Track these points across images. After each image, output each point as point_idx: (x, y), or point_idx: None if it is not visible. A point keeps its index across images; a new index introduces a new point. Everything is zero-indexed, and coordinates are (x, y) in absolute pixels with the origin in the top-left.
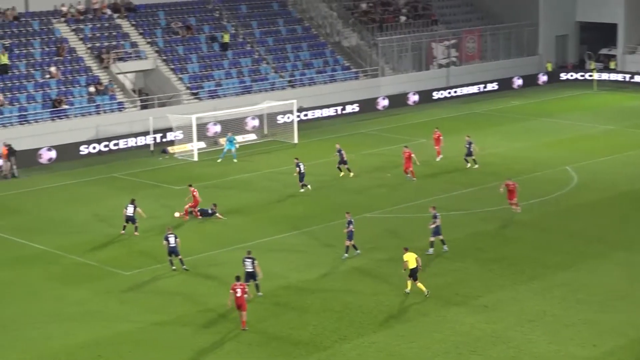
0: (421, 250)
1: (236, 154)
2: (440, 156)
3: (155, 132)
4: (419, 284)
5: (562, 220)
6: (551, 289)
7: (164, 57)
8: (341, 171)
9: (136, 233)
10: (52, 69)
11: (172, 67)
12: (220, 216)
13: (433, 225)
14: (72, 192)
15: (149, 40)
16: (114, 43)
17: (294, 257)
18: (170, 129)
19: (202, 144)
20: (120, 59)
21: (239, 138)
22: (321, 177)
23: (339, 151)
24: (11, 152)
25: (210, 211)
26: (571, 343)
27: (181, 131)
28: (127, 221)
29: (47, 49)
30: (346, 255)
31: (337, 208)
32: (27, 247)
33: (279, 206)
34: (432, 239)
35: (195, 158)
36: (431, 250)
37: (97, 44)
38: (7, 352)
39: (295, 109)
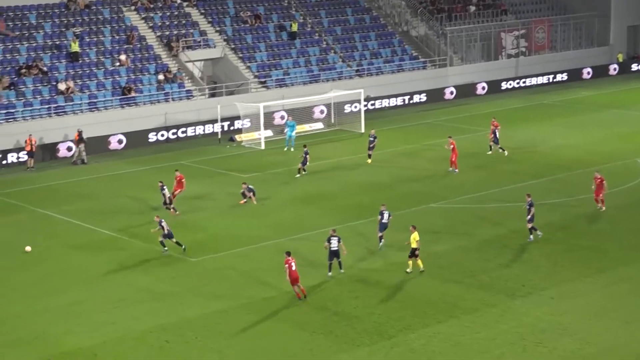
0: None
1: (294, 142)
2: (498, 146)
3: (222, 120)
4: (418, 260)
5: (631, 213)
6: (618, 283)
7: (233, 46)
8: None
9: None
10: (122, 56)
11: (241, 55)
12: None
13: (529, 216)
14: (140, 179)
15: (218, 28)
16: (183, 31)
17: (359, 246)
18: (237, 117)
19: (269, 133)
20: (189, 47)
21: (306, 127)
22: (387, 167)
23: (373, 137)
24: (80, 139)
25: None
26: (636, 339)
27: (249, 119)
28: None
29: (117, 37)
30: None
31: (402, 197)
32: (96, 233)
33: (343, 195)
34: (529, 225)
35: (262, 146)
36: (531, 237)
37: (167, 32)
38: (74, 337)
39: (362, 98)
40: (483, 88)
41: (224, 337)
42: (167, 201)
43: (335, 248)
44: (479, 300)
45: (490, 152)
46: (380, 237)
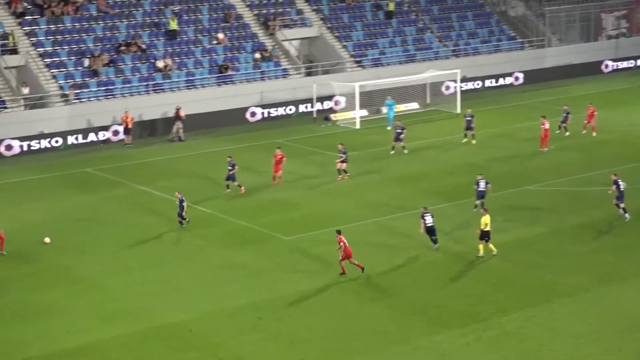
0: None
1: (392, 121)
2: (594, 133)
3: (318, 99)
4: (490, 246)
5: None
6: None
7: (329, 25)
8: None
9: (227, 191)
10: (220, 35)
11: (337, 34)
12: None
13: (610, 192)
14: (235, 157)
15: (315, 7)
16: (280, 10)
17: (452, 228)
18: (333, 96)
19: (365, 112)
20: (286, 26)
21: (401, 107)
22: (483, 148)
23: (470, 117)
24: (177, 116)
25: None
26: None
27: (344, 99)
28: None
29: (214, 15)
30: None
31: (498, 179)
32: (192, 210)
33: (439, 176)
34: (621, 205)
35: (357, 126)
36: (627, 215)
37: (264, 11)
38: (170, 311)
39: (458, 78)
40: (581, 69)
41: (316, 316)
42: (228, 178)
43: (431, 224)
44: (573, 285)
45: (584, 132)
46: (476, 205)
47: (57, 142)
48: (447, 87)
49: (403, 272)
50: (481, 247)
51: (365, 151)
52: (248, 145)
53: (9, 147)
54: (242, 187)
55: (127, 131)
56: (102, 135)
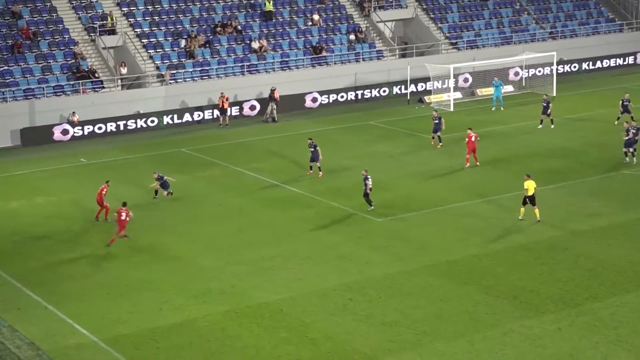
0: None
1: (503, 101)
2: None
3: (412, 81)
4: (535, 211)
5: None
6: None
7: (424, 6)
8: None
9: (320, 173)
10: (315, 16)
11: (432, 16)
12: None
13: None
14: (330, 138)
15: None
16: None
17: (547, 212)
18: (427, 79)
19: (459, 94)
20: (381, 8)
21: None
22: (579, 131)
23: (546, 102)
24: (271, 97)
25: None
26: None
27: (439, 81)
28: (311, 160)
29: None
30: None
31: (594, 163)
32: (284, 190)
33: (533, 159)
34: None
35: (452, 108)
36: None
37: None
38: (262, 291)
39: (555, 61)
40: None
41: (407, 298)
42: (315, 159)
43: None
44: None
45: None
46: (626, 153)
47: (152, 122)
48: (517, 73)
49: (494, 256)
50: (522, 210)
51: (458, 133)
52: (341, 127)
53: (110, 126)
54: (321, 172)
55: (223, 112)
56: (197, 116)
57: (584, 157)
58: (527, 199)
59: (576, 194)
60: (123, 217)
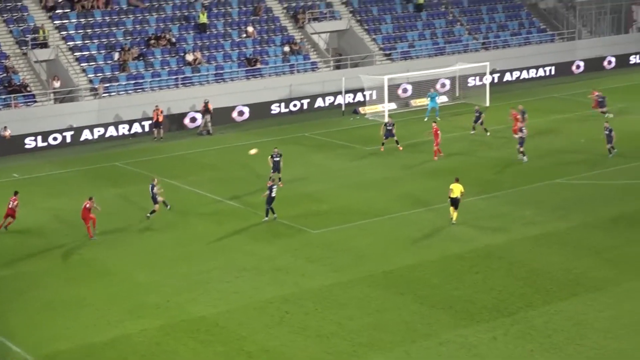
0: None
1: (439, 112)
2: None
3: (347, 92)
4: (455, 212)
5: None
6: None
7: (358, 18)
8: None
9: (280, 184)
10: (249, 28)
11: (366, 27)
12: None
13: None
14: (264, 150)
15: (344, 0)
16: (309, 3)
17: (482, 221)
18: (362, 90)
19: (393, 105)
20: (315, 19)
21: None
22: (513, 142)
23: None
24: (206, 110)
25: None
26: None
27: (373, 92)
28: (273, 171)
29: (244, 9)
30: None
31: (528, 173)
32: (219, 203)
33: (469, 169)
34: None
35: (386, 119)
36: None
37: (293, 4)
38: (198, 305)
39: (488, 71)
40: (611, 62)
41: (343, 309)
42: (277, 169)
43: (275, 195)
44: (603, 279)
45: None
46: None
47: (86, 135)
48: (444, 85)
49: (430, 266)
50: (453, 213)
51: (393, 144)
52: (275, 138)
53: (42, 140)
54: (281, 183)
55: (157, 125)
56: (131, 129)
57: (517, 166)
58: (451, 201)
59: (510, 203)
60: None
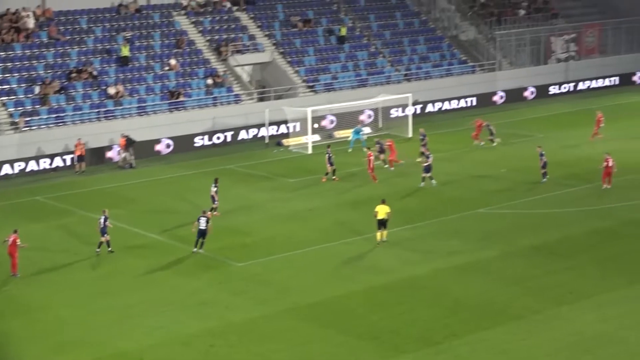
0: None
1: (365, 142)
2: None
3: (270, 124)
4: (382, 233)
5: None
6: None
7: (282, 50)
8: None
9: (216, 213)
10: (172, 61)
11: (289, 60)
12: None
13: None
14: (187, 184)
15: (267, 33)
16: (232, 36)
17: (406, 252)
18: (285, 122)
19: (317, 137)
20: (238, 52)
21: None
22: (435, 172)
23: (423, 136)
24: (130, 143)
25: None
26: None
27: (297, 124)
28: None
29: (166, 41)
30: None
31: (450, 202)
32: (143, 237)
33: (392, 200)
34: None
35: (310, 151)
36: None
37: (216, 37)
38: (122, 340)
39: (410, 102)
40: (532, 92)
41: (268, 342)
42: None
43: (204, 227)
44: (525, 307)
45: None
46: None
47: (6, 170)
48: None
49: (355, 297)
50: (378, 234)
51: (317, 176)
52: (199, 171)
53: None
54: (217, 212)
55: (80, 159)
56: (53, 163)
57: (441, 196)
58: (379, 223)
59: (434, 233)
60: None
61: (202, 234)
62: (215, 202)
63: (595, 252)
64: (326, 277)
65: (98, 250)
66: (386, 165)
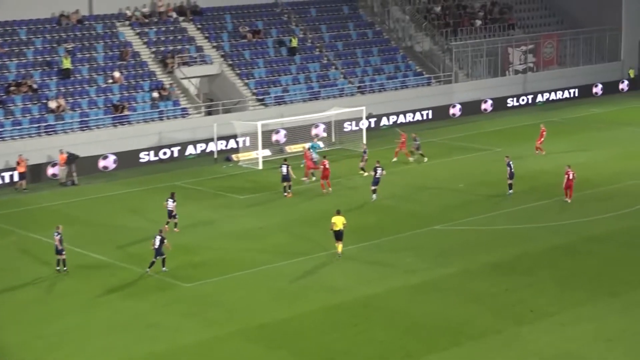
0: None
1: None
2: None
3: (219, 139)
4: (339, 246)
5: None
6: (632, 307)
7: (230, 62)
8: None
9: (176, 229)
10: (115, 73)
11: (238, 72)
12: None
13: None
14: (133, 201)
15: (215, 44)
16: (178, 47)
17: (361, 270)
18: (234, 136)
19: (267, 152)
20: (185, 64)
21: (306, 146)
22: (389, 187)
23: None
24: (72, 159)
25: None
26: None
27: (246, 138)
28: (169, 217)
29: (110, 53)
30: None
31: (405, 219)
32: (87, 257)
33: (347, 216)
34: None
35: (260, 166)
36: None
37: (162, 48)
38: None
39: (364, 115)
40: (490, 105)
41: None
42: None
43: (157, 247)
44: (484, 326)
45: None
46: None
47: None
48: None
49: (307, 318)
50: (338, 246)
51: (268, 192)
52: (145, 188)
53: None
54: (177, 229)
55: (21, 176)
56: None
57: (395, 212)
58: (336, 234)
59: (390, 250)
60: None
61: (157, 253)
62: (175, 217)
63: (555, 268)
64: (278, 297)
65: (58, 268)
66: (363, 172)
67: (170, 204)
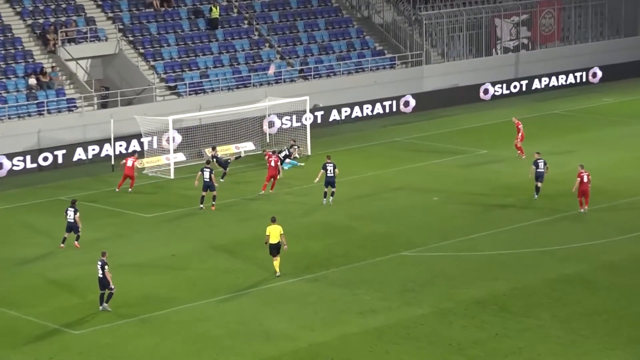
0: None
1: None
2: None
3: (117, 139)
4: (276, 262)
5: None
6: None
7: (131, 38)
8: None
9: (76, 243)
10: None
11: (142, 51)
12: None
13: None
14: (3, 222)
15: (111, 15)
16: (63, 19)
17: (305, 311)
18: (138, 136)
19: (181, 157)
20: (72, 41)
21: (232, 148)
22: (343, 202)
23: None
24: None
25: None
26: None
27: (153, 138)
28: (67, 230)
29: None
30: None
31: (365, 242)
32: None
33: (288, 239)
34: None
35: (172, 175)
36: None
37: (41, 20)
38: None
39: (308, 108)
40: (471, 94)
41: None
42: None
43: (100, 276)
44: None
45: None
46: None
47: None
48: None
49: None
50: (275, 263)
51: (182, 209)
52: (20, 205)
53: None
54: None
55: None
56: None
57: (351, 234)
58: (271, 248)
59: (344, 284)
60: None
61: (100, 284)
62: (78, 231)
63: (561, 307)
64: (197, 347)
65: None
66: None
67: (71, 215)
